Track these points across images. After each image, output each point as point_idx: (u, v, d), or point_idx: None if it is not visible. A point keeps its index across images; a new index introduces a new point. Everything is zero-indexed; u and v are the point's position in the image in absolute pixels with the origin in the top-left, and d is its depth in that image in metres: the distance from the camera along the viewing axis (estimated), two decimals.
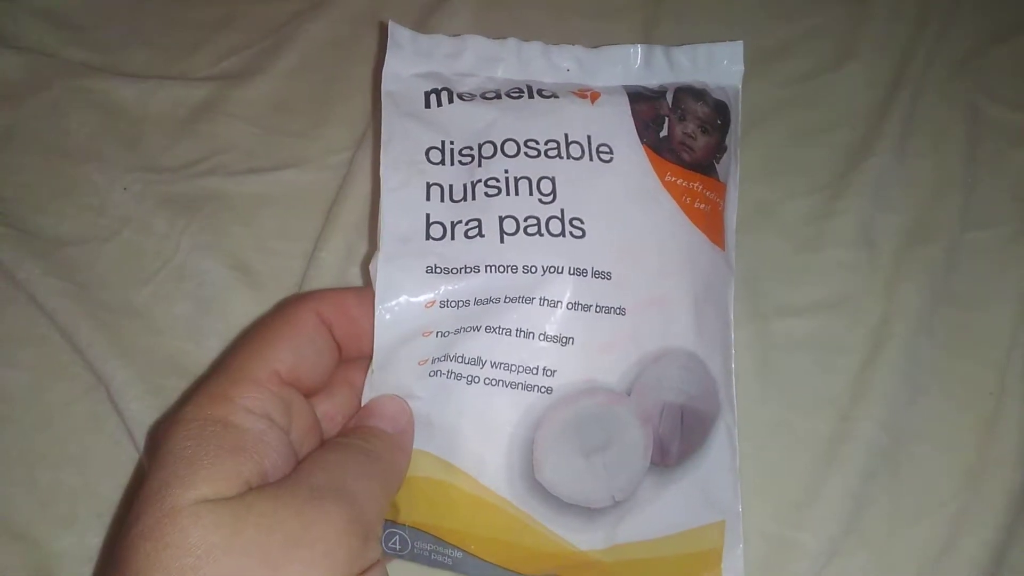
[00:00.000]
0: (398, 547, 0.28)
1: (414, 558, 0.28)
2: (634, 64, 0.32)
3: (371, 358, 0.27)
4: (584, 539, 0.28)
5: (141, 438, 0.33)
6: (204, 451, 0.21)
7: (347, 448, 0.24)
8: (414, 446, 0.27)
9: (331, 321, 0.26)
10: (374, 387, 0.27)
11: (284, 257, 0.38)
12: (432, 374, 0.27)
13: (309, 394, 0.26)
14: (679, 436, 0.29)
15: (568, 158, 0.29)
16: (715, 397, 0.30)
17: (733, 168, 0.32)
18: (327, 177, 0.39)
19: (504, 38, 0.32)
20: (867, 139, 0.41)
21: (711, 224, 0.31)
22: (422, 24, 0.44)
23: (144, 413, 0.33)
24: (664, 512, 0.28)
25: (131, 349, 0.35)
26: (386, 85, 0.30)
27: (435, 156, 0.29)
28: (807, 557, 0.32)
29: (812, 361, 0.36)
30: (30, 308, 0.36)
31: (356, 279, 0.37)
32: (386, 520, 0.28)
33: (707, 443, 0.30)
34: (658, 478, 0.28)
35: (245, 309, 0.36)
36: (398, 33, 0.31)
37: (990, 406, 0.35)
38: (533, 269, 0.27)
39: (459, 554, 0.27)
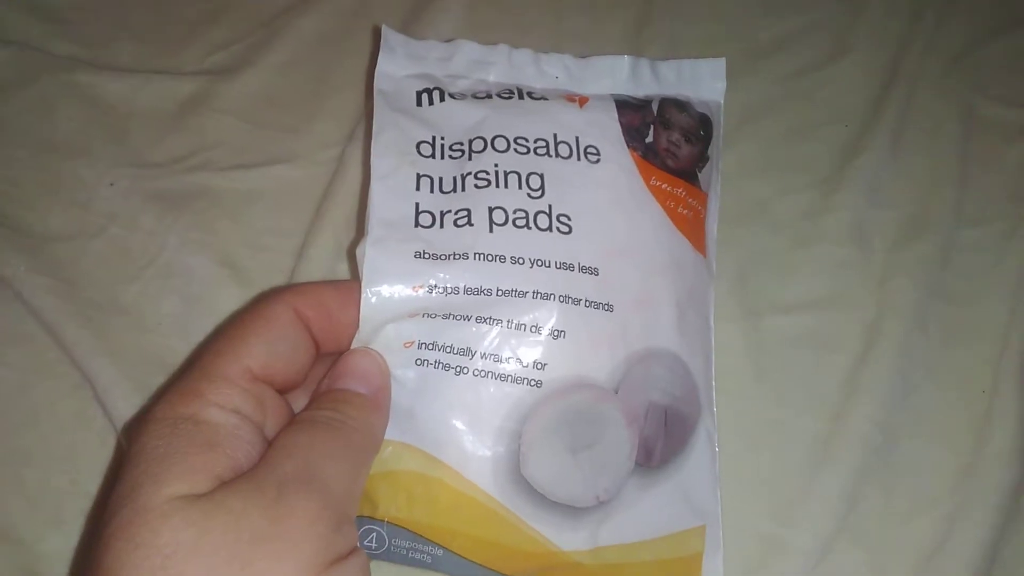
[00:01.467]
0: (374, 545, 0.27)
1: (389, 557, 0.27)
2: (621, 75, 0.33)
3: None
4: (567, 539, 0.27)
5: None
6: (175, 449, 0.21)
7: (315, 426, 0.24)
8: (397, 439, 0.27)
9: (308, 316, 0.26)
10: None
11: (273, 253, 0.37)
12: (419, 362, 0.27)
13: (285, 390, 0.25)
14: (663, 437, 0.29)
15: (556, 157, 0.29)
16: (696, 400, 0.30)
17: (715, 179, 0.33)
18: (317, 173, 0.39)
19: (495, 43, 0.33)
20: (861, 135, 0.41)
21: (693, 230, 0.31)
22: (414, 18, 0.43)
23: (131, 412, 0.33)
24: (647, 515, 0.28)
25: (118, 347, 0.34)
26: (378, 84, 0.31)
27: (426, 150, 0.29)
28: (800, 555, 0.32)
29: (805, 358, 0.36)
30: (15, 305, 0.35)
31: (345, 275, 0.37)
32: (363, 516, 0.27)
33: (688, 446, 0.29)
34: (641, 480, 0.28)
35: (233, 306, 0.36)
36: (391, 37, 0.31)
37: (983, 403, 0.35)
38: (521, 261, 0.28)
39: (439, 551, 0.27)
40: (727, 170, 0.38)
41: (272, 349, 0.24)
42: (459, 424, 0.27)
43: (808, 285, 0.37)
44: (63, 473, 0.33)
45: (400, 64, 0.31)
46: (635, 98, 0.32)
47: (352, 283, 0.27)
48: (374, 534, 0.27)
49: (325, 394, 0.25)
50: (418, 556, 0.27)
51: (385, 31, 0.31)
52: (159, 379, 0.34)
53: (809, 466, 0.33)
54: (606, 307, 0.28)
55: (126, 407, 0.33)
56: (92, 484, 0.32)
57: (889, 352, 0.35)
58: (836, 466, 0.33)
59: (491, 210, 0.28)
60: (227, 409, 0.23)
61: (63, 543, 0.31)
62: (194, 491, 0.20)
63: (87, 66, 0.41)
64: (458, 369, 0.27)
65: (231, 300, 0.36)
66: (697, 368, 0.30)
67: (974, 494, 0.33)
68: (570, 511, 0.27)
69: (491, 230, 0.28)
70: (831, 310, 0.37)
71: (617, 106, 0.31)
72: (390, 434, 0.27)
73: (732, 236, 0.37)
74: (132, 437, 0.22)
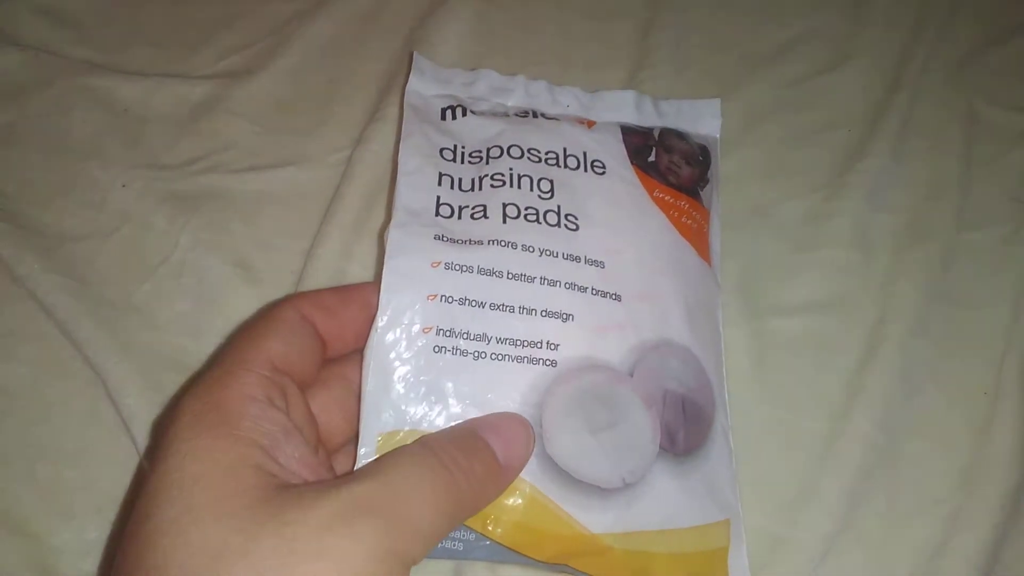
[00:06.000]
0: None
1: None
2: (627, 108, 0.36)
3: (368, 336, 0.27)
4: (595, 520, 0.28)
5: (139, 433, 0.33)
6: (207, 444, 0.21)
7: (425, 455, 0.22)
8: (417, 428, 0.27)
9: (312, 317, 0.26)
10: (374, 347, 0.27)
11: (283, 254, 0.38)
12: (437, 349, 0.28)
13: (301, 386, 0.26)
14: (683, 425, 0.29)
15: (565, 167, 0.32)
16: (711, 395, 0.31)
17: (715, 202, 0.35)
18: (327, 175, 0.40)
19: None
20: (864, 140, 0.41)
21: (697, 239, 0.33)
22: (423, 24, 0.44)
23: (142, 408, 0.33)
24: (674, 503, 0.29)
25: (130, 345, 0.35)
26: (408, 100, 0.34)
27: (447, 155, 0.32)
28: (802, 555, 0.32)
29: (808, 361, 0.36)
30: (30, 304, 0.36)
31: (354, 276, 0.37)
32: None
33: (708, 441, 0.30)
34: (669, 466, 0.29)
35: (244, 306, 0.36)
36: (421, 62, 0.35)
37: (985, 406, 0.35)
38: (531, 249, 0.29)
39: (471, 535, 0.27)
40: (730, 175, 0.39)
41: (287, 342, 0.25)
42: (483, 408, 0.27)
43: (810, 288, 0.38)
44: (75, 468, 0.33)
45: (428, 85, 0.35)
46: (639, 126, 0.35)
47: (350, 286, 0.29)
48: None
49: (460, 431, 0.25)
50: (449, 544, 0.27)
51: (416, 57, 0.35)
52: (170, 377, 0.34)
53: (811, 467, 0.33)
54: (613, 296, 0.30)
55: (137, 404, 0.33)
56: (103, 479, 0.33)
57: (891, 354, 0.35)
58: (838, 467, 0.33)
59: (504, 205, 0.30)
60: (252, 397, 0.23)
61: (74, 537, 0.32)
62: (239, 488, 0.20)
63: (102, 70, 0.42)
64: (476, 354, 0.28)
65: (242, 299, 0.36)
66: (710, 365, 0.31)
67: (975, 495, 0.33)
68: (597, 492, 0.28)
69: (504, 221, 0.30)
70: (833, 313, 0.37)
71: (622, 130, 0.34)
72: (411, 424, 0.27)
73: (735, 240, 0.38)
74: (162, 431, 0.22)
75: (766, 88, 0.43)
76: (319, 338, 0.27)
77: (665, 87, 0.42)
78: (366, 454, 0.26)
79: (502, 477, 0.25)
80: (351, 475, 0.22)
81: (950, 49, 0.44)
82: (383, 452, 0.26)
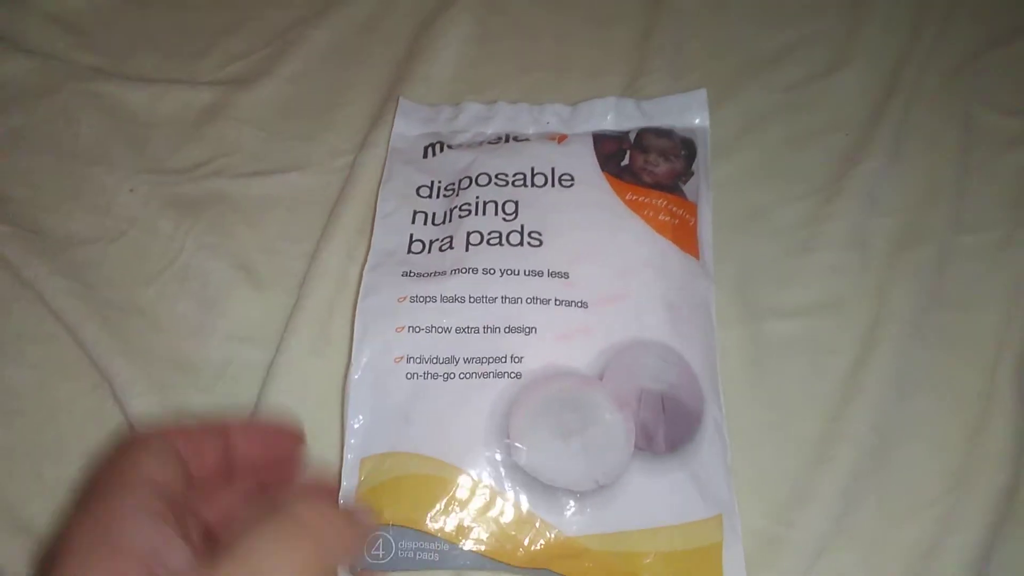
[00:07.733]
0: (381, 553, 0.28)
1: (397, 564, 0.28)
2: (608, 114, 0.38)
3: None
4: (571, 523, 0.28)
5: None
6: (95, 562, 0.20)
7: (286, 523, 0.21)
8: (395, 449, 0.28)
9: (175, 442, 0.24)
10: (351, 381, 0.30)
11: (287, 258, 0.38)
12: (409, 376, 0.29)
13: (177, 497, 0.24)
14: (663, 423, 0.30)
15: (532, 186, 0.34)
16: (698, 391, 0.31)
17: (704, 192, 0.36)
18: (330, 180, 0.40)
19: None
20: (860, 144, 0.42)
21: (680, 235, 0.34)
22: (425, 31, 0.44)
23: (147, 410, 0.34)
24: (656, 500, 0.29)
25: (135, 347, 0.35)
26: (393, 143, 0.37)
27: (424, 192, 0.35)
28: (796, 555, 0.32)
29: (803, 362, 0.36)
30: (37, 306, 0.36)
31: (356, 278, 0.37)
32: None
33: (697, 436, 0.31)
34: (647, 465, 0.29)
35: (248, 309, 0.37)
36: (406, 105, 0.39)
37: (979, 407, 0.35)
38: (492, 271, 0.31)
39: (445, 546, 0.28)
40: (728, 178, 0.39)
41: (161, 461, 0.23)
42: (452, 424, 0.29)
43: (807, 291, 0.38)
44: (81, 469, 0.33)
45: (413, 126, 0.38)
46: (615, 131, 0.37)
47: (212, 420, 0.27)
48: (380, 540, 0.28)
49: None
50: (425, 556, 0.28)
51: (401, 102, 0.38)
52: (175, 378, 0.35)
53: (806, 467, 0.34)
54: (579, 304, 0.31)
55: (142, 405, 0.34)
56: None
57: (886, 356, 0.36)
58: (832, 467, 0.33)
59: (468, 234, 0.33)
60: (134, 512, 0.22)
61: None
62: None
63: (109, 76, 0.42)
64: (446, 376, 0.29)
65: (245, 303, 0.37)
66: (696, 359, 0.31)
67: (969, 496, 0.33)
68: (571, 496, 0.28)
69: (467, 249, 0.32)
70: (829, 315, 0.37)
71: (594, 139, 0.36)
72: (388, 447, 0.29)
73: (732, 242, 0.38)
74: (56, 549, 0.21)
75: (764, 92, 0.44)
76: (182, 459, 0.25)
77: (664, 92, 0.42)
78: (349, 486, 0.28)
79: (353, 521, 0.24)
80: (215, 566, 0.21)
81: (947, 53, 0.45)
82: (367, 475, 0.28)
